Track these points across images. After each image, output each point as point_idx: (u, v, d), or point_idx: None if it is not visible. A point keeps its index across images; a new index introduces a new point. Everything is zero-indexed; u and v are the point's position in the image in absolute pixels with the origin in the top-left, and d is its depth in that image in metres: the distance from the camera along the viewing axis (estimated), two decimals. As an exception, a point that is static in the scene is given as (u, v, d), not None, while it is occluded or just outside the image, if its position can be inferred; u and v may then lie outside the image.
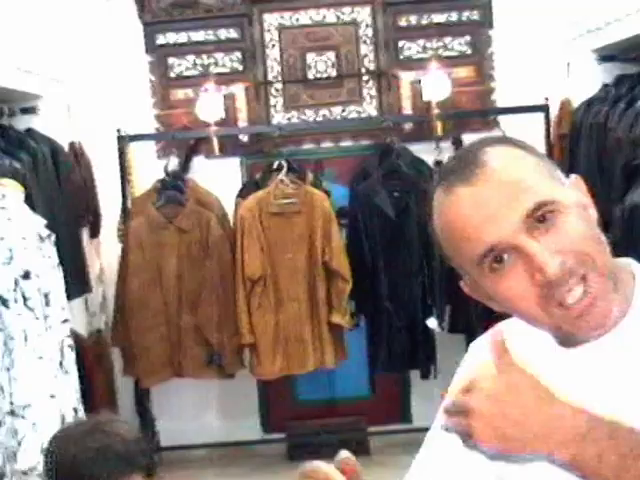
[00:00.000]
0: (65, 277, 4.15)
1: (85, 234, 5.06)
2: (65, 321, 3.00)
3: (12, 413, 2.79)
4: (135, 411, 5.33)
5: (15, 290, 2.79)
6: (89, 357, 4.41)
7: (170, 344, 4.94)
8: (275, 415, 5.64)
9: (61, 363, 2.94)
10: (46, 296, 2.89)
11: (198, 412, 5.58)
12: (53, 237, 3.05)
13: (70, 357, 3.01)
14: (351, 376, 5.44)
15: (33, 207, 3.76)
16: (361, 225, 5.00)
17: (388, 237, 4.98)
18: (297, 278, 4.88)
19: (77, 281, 4.34)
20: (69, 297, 4.25)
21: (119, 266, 4.99)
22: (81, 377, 4.27)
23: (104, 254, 5.36)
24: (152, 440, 5.41)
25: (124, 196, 5.14)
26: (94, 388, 4.44)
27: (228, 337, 4.89)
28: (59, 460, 1.90)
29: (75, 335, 4.38)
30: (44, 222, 3.03)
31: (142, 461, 1.93)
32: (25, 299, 2.80)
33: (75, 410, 2.99)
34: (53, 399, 2.83)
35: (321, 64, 5.43)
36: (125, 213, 5.12)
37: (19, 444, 2.76)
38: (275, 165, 4.95)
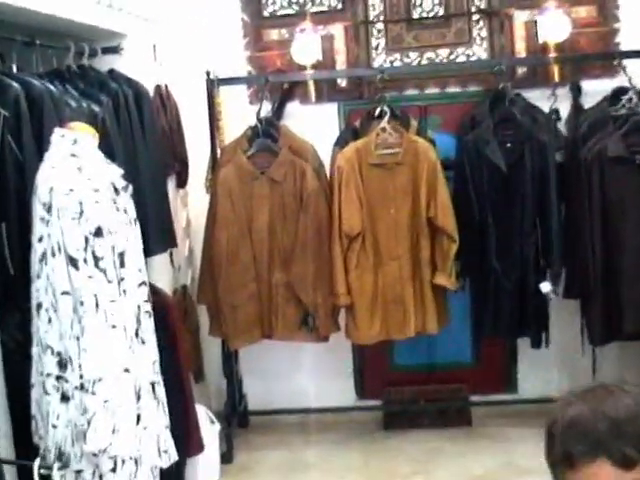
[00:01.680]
0: (148, 231, 3.87)
1: (171, 184, 4.73)
2: (142, 284, 2.66)
3: (81, 388, 2.47)
4: (222, 373, 5.03)
5: (85, 249, 2.45)
6: (172, 315, 4.08)
7: (260, 303, 4.60)
8: (370, 380, 5.30)
9: (137, 332, 2.60)
10: (121, 256, 2.55)
11: (289, 375, 5.26)
12: (130, 188, 2.70)
13: (147, 325, 2.67)
14: (452, 341, 5.06)
15: (112, 154, 3.45)
16: (469, 178, 4.56)
17: (498, 191, 4.54)
18: (399, 235, 4.48)
19: (161, 236, 4.01)
20: (152, 253, 3.99)
21: (207, 219, 4.66)
22: (164, 337, 4.03)
23: (191, 205, 5.04)
24: (239, 403, 5.13)
25: (213, 144, 4.79)
26: (178, 348, 4.12)
27: (323, 297, 4.52)
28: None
29: (157, 291, 4.12)
30: (120, 172, 2.68)
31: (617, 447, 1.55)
32: (96, 259, 2.46)
33: (152, 384, 2.66)
34: (127, 373, 2.50)
35: (427, 2, 4.98)
36: (214, 162, 4.77)
37: (88, 423, 2.44)
38: (376, 112, 4.52)
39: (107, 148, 3.44)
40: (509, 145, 4.54)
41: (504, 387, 5.24)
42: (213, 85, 4.72)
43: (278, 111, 5.02)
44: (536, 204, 4.47)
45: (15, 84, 2.78)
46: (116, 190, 2.58)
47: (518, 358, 5.16)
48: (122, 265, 2.55)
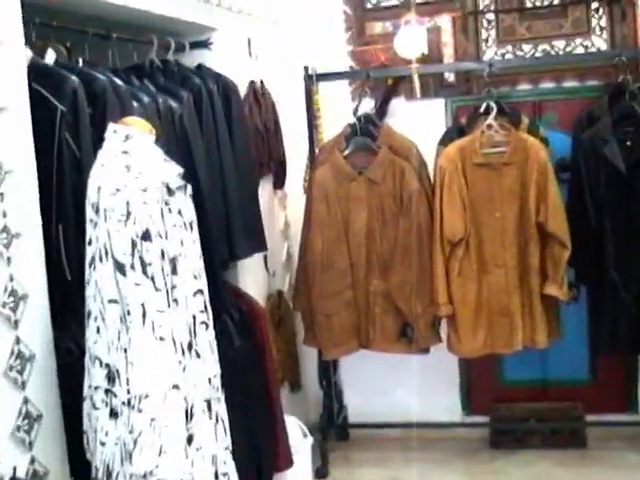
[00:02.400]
0: (234, 234, 3.68)
1: (268, 185, 4.53)
2: (198, 292, 2.44)
3: (128, 404, 2.27)
4: (319, 383, 4.80)
5: (132, 254, 2.24)
6: (261, 323, 3.88)
7: (356, 312, 4.34)
8: (478, 396, 4.99)
9: (190, 345, 2.38)
10: (172, 262, 2.33)
11: (391, 388, 5.00)
12: (189, 189, 2.49)
13: (204, 337, 2.45)
14: (567, 356, 4.72)
15: (190, 152, 3.27)
16: (584, 180, 4.19)
17: (617, 194, 4.15)
18: (505, 241, 4.15)
19: (248, 239, 3.80)
20: (238, 257, 3.79)
21: (303, 221, 4.44)
22: (251, 346, 3.83)
23: (290, 207, 4.83)
24: (338, 416, 4.90)
25: (311, 143, 4.59)
26: (266, 357, 3.92)
27: (423, 307, 4.23)
28: None
29: (245, 298, 3.92)
30: (178, 170, 2.47)
31: None
32: (144, 265, 2.25)
33: (208, 402, 2.44)
34: (176, 390, 2.28)
35: (542, -10, 4.63)
36: (312, 162, 4.55)
37: (134, 442, 2.24)
38: (482, 108, 4.21)
39: (184, 146, 3.28)
40: (629, 143, 4.15)
41: (623, 407, 4.85)
42: (312, 81, 4.51)
43: (382, 108, 4.78)
44: (660, 208, 4.08)
45: (73, 77, 2.61)
46: (170, 190, 2.37)
47: (639, 376, 4.75)
48: (174, 272, 2.34)
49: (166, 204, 2.35)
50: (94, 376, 2.38)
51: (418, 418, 4.86)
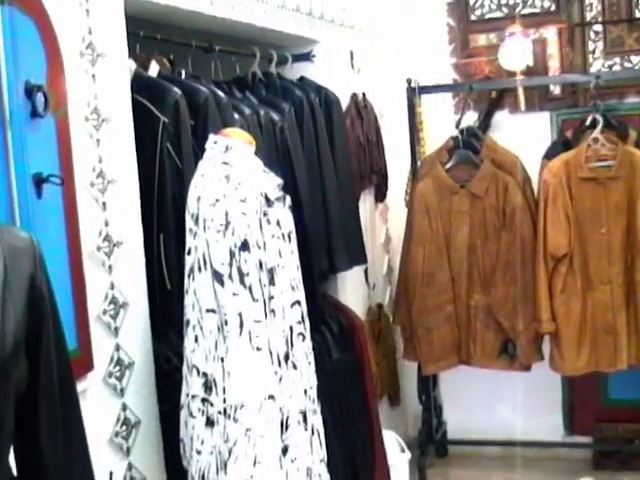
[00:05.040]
0: (333, 247, 3.68)
1: (370, 197, 4.51)
2: (295, 303, 2.43)
3: (224, 413, 2.28)
4: (418, 398, 4.76)
5: (230, 264, 2.25)
6: (360, 336, 3.87)
7: (457, 327, 4.29)
8: (581, 415, 4.85)
9: (287, 356, 2.38)
10: (270, 272, 2.33)
11: (491, 404, 4.90)
12: (288, 200, 2.49)
13: (300, 348, 2.44)
14: (677, 375, 4.53)
15: (290, 164, 3.28)
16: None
17: None
18: (611, 257, 4.04)
19: (348, 251, 3.79)
20: (337, 269, 3.79)
21: (404, 235, 4.41)
22: (350, 359, 3.81)
23: (392, 220, 4.80)
24: (437, 432, 4.84)
25: (413, 155, 4.55)
26: (365, 371, 3.90)
27: (525, 323, 4.15)
28: None
29: (345, 310, 3.91)
30: (277, 182, 2.47)
31: None
32: (242, 275, 2.25)
33: (303, 414, 2.43)
34: (272, 400, 2.28)
35: (653, 0, 4.51)
36: (414, 175, 4.52)
37: (229, 452, 2.24)
38: (588, 121, 4.11)
39: (285, 158, 3.30)
40: None
41: None
42: (414, 93, 4.47)
43: (485, 121, 4.72)
44: None
45: (175, 89, 2.64)
46: (268, 201, 2.38)
47: None
48: (271, 282, 2.34)
49: (264, 215, 2.35)
50: (192, 385, 2.40)
51: (519, 436, 4.76)
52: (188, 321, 2.41)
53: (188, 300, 2.40)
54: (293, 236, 2.48)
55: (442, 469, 4.78)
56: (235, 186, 2.30)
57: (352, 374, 3.82)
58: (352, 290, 4.24)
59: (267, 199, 2.38)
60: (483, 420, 4.90)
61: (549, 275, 4.07)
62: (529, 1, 4.62)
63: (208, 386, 2.36)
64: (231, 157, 2.39)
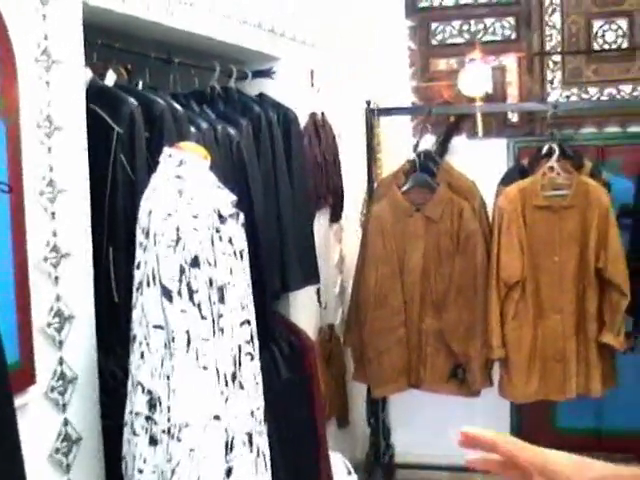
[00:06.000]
0: (287, 266, 3.64)
1: (325, 218, 4.49)
2: (245, 323, 2.39)
3: (168, 432, 2.23)
4: (366, 420, 4.72)
5: (180, 280, 2.21)
6: (310, 357, 3.83)
7: (408, 350, 4.27)
8: (529, 442, 4.76)
9: (234, 376, 2.34)
10: (220, 290, 2.29)
11: (440, 429, 4.82)
12: (242, 217, 2.45)
13: (248, 368, 2.40)
14: (625, 404, 4.54)
15: (246, 180, 3.25)
16: (648, 227, 4.10)
17: (682, 244, 4.06)
18: (563, 286, 4.06)
19: (301, 271, 3.75)
20: (290, 288, 3.75)
21: (358, 256, 4.39)
22: (300, 380, 3.78)
23: (346, 241, 4.78)
24: (385, 455, 4.81)
25: (370, 177, 4.54)
26: (314, 393, 3.86)
27: (475, 349, 4.14)
28: None
29: (297, 331, 3.88)
30: (231, 198, 2.44)
31: None
32: (191, 292, 2.22)
33: (249, 435, 2.38)
34: (217, 421, 2.24)
35: (610, 33, 4.58)
36: (370, 196, 4.51)
37: (172, 472, 2.20)
38: (544, 150, 4.13)
39: (241, 174, 3.26)
40: (697, 193, 4.07)
41: (681, 461, 4.69)
42: (373, 115, 4.47)
43: (443, 145, 4.72)
44: None
45: (131, 99, 2.60)
46: (221, 217, 2.34)
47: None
48: (221, 300, 2.30)
49: (217, 231, 2.31)
50: (136, 402, 2.34)
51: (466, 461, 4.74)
52: (135, 336, 2.36)
53: (136, 315, 2.35)
54: (245, 254, 2.44)
55: (388, 493, 4.75)
56: (188, 201, 2.26)
57: (301, 394, 3.77)
58: (304, 309, 4.21)
59: (220, 215, 2.34)
60: (432, 444, 4.85)
61: (501, 302, 4.07)
62: (490, 28, 4.65)
63: (152, 404, 2.31)
64: (185, 171, 2.35)
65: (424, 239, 4.21)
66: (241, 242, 2.43)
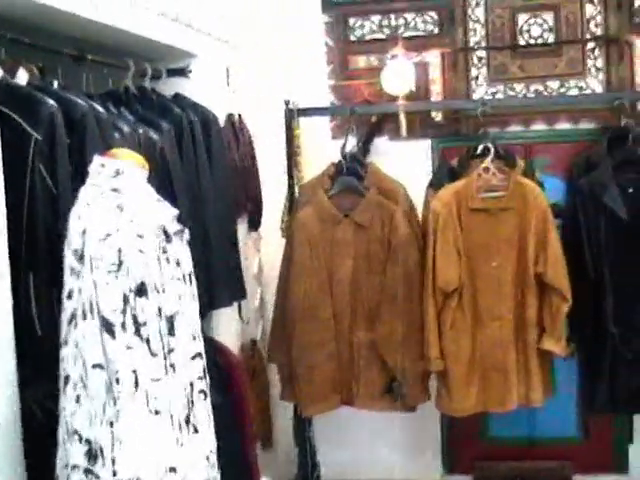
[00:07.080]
0: (213, 281, 3.34)
1: (242, 226, 4.19)
2: (197, 356, 2.09)
3: (115, 489, 1.91)
4: (293, 439, 4.44)
5: (124, 311, 1.89)
6: (238, 378, 3.55)
7: (339, 365, 4.00)
8: (461, 453, 4.68)
9: (188, 418, 2.03)
10: (170, 320, 1.98)
11: (369, 444, 4.67)
12: (186, 234, 2.15)
13: (202, 408, 2.10)
14: (556, 412, 4.43)
15: (172, 189, 2.93)
16: (582, 228, 3.95)
17: (618, 244, 3.92)
18: (502, 292, 3.86)
19: (228, 286, 3.47)
20: (217, 306, 3.47)
21: (281, 266, 4.10)
22: (228, 403, 3.48)
23: (265, 250, 4.50)
24: (312, 474, 4.54)
25: (290, 181, 4.26)
26: (244, 415, 3.59)
27: (411, 361, 3.90)
28: None
29: (222, 350, 3.59)
30: (174, 212, 2.13)
31: None
32: (137, 325, 1.90)
33: (207, 484, 2.09)
34: (173, 473, 1.93)
35: (535, 28, 4.41)
36: (291, 202, 4.23)
37: (122, 536, 1.88)
38: (479, 149, 3.93)
39: (167, 183, 2.95)
40: (632, 191, 3.94)
41: (613, 467, 4.59)
42: (292, 116, 4.20)
43: (364, 147, 4.48)
44: (664, 260, 3.84)
45: (50, 101, 2.27)
46: (167, 236, 2.03)
47: (634, 435, 4.48)
48: (171, 332, 1.99)
49: (163, 252, 2.00)
50: (72, 453, 2.01)
51: (397, 476, 4.55)
52: (67, 377, 2.02)
53: (67, 352, 2.02)
54: (193, 277, 2.13)
55: (317, 515, 4.49)
56: (130, 218, 1.94)
57: (231, 420, 3.48)
58: (225, 326, 3.93)
59: (166, 233, 2.03)
60: (361, 460, 4.67)
61: (438, 311, 3.85)
62: (411, 23, 4.43)
63: (92, 455, 1.98)
64: (122, 183, 2.03)
65: (353, 246, 3.96)
66: (188, 263, 2.12)
